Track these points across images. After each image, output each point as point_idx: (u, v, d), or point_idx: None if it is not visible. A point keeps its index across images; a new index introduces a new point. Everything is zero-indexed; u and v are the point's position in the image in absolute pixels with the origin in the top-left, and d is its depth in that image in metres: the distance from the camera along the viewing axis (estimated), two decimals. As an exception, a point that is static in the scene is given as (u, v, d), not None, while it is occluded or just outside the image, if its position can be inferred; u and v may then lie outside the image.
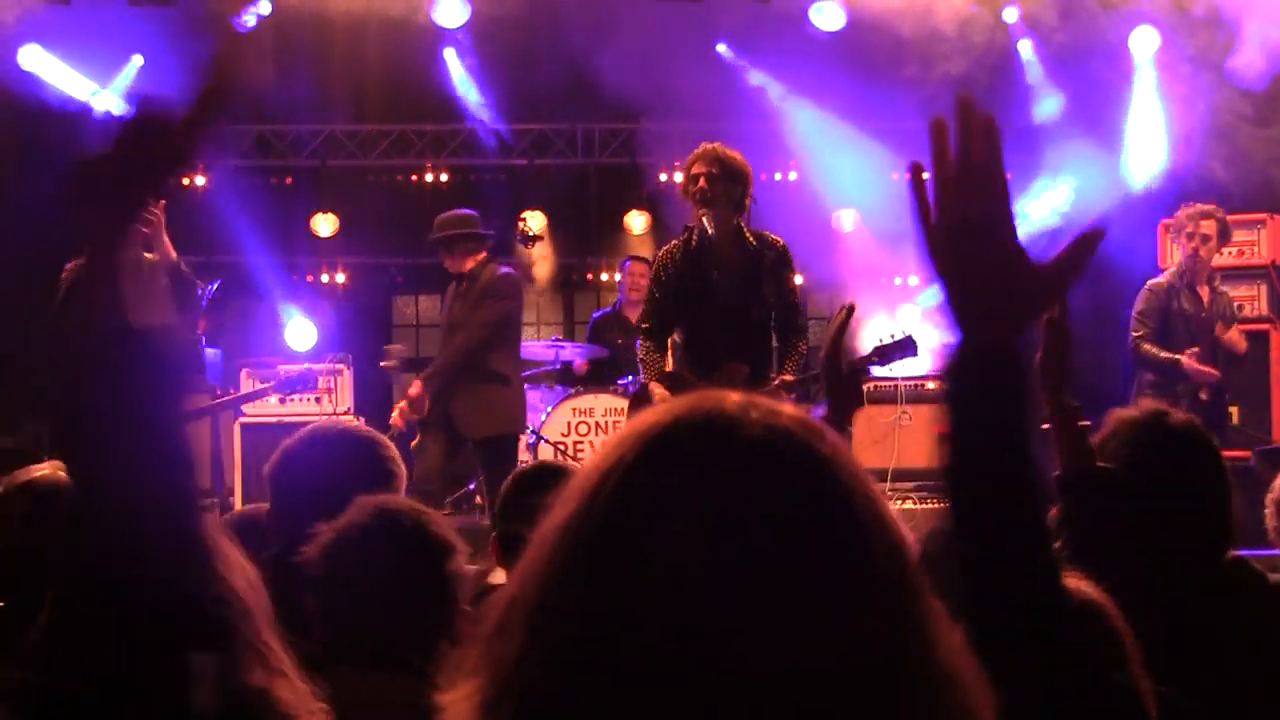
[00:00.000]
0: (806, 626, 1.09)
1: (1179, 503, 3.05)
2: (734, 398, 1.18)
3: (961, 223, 1.57)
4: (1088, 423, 2.96)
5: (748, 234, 6.89)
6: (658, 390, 6.71)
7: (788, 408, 1.20)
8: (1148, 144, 10.45)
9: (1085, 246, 1.58)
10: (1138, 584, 3.03)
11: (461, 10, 10.29)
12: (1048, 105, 10.85)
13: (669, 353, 7.34)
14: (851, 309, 3.11)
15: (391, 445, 3.44)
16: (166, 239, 7.26)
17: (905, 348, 7.09)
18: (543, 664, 1.11)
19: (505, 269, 7.92)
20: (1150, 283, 8.59)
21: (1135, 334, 8.50)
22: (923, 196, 1.58)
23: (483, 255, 7.88)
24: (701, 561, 1.09)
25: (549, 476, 3.63)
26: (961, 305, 1.57)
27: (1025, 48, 10.83)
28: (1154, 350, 8.37)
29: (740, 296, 6.83)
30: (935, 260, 1.59)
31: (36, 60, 10.44)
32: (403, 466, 3.40)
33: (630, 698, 1.08)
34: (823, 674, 1.09)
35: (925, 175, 1.59)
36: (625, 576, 1.10)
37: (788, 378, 6.82)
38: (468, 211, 8.03)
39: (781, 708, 1.08)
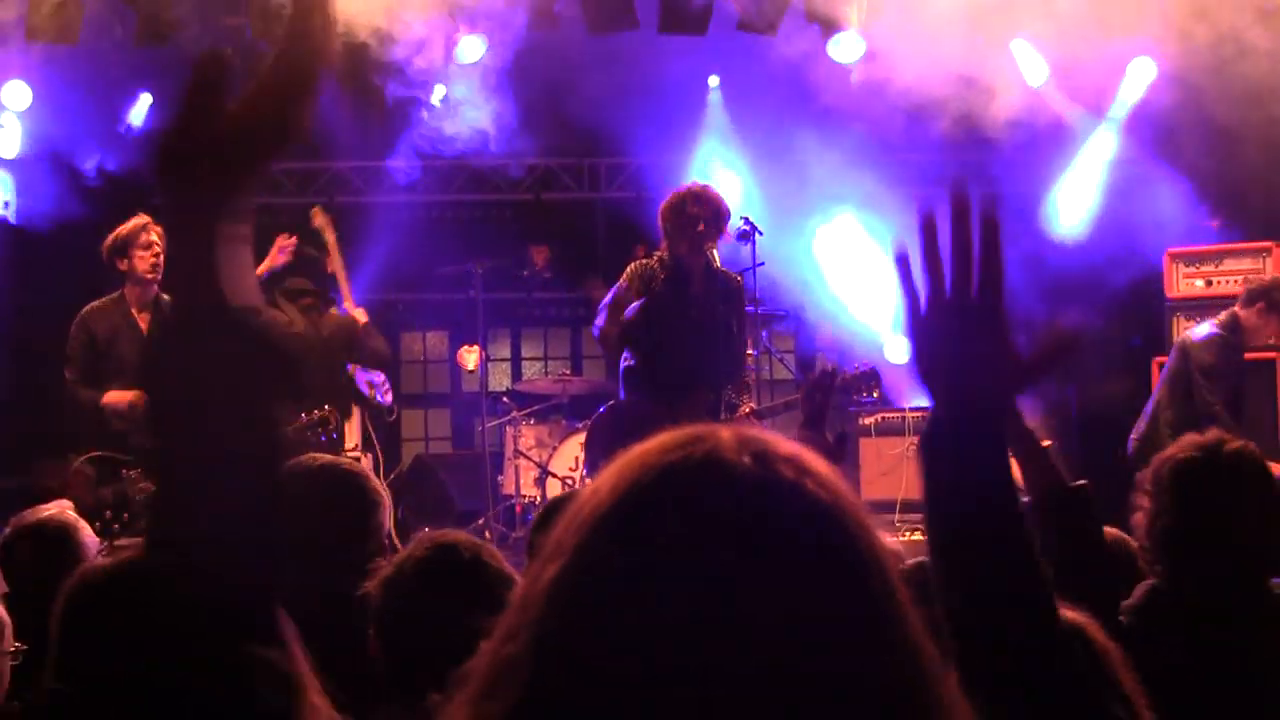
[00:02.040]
0: (807, 668, 1.06)
1: (1220, 529, 3.10)
2: (726, 435, 1.15)
3: (951, 311, 1.61)
4: (1049, 443, 3.01)
5: (720, 269, 7.04)
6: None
7: (783, 442, 1.17)
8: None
9: (1063, 348, 1.64)
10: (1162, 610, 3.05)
11: (480, 46, 10.36)
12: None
13: (621, 374, 7.38)
14: (833, 373, 3.22)
15: (370, 475, 3.46)
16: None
17: (869, 381, 7.18)
18: None
19: None
20: (1223, 335, 8.11)
21: (1211, 397, 7.89)
22: (910, 276, 1.62)
23: None
24: (702, 609, 1.06)
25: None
26: (938, 382, 1.63)
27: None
28: (1237, 429, 7.40)
29: (714, 328, 6.93)
30: (918, 338, 1.64)
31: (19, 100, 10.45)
32: (385, 495, 3.42)
33: None
34: (823, 714, 1.07)
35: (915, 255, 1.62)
36: (625, 630, 1.07)
37: (754, 405, 6.98)
38: None
39: None
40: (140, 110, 11.16)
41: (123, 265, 7.31)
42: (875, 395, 7.39)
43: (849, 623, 1.09)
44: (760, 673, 1.05)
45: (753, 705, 1.05)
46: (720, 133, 11.59)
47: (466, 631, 2.59)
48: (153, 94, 11.10)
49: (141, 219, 7.38)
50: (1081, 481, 2.94)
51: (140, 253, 7.28)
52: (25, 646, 3.16)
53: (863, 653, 1.09)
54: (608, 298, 7.21)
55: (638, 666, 1.06)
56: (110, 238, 7.37)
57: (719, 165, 11.12)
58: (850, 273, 11.35)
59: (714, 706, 1.05)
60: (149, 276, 7.30)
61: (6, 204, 10.75)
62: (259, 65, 1.36)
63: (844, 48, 10.32)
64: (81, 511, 6.90)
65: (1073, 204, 10.45)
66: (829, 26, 10.10)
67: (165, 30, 9.62)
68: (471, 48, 10.39)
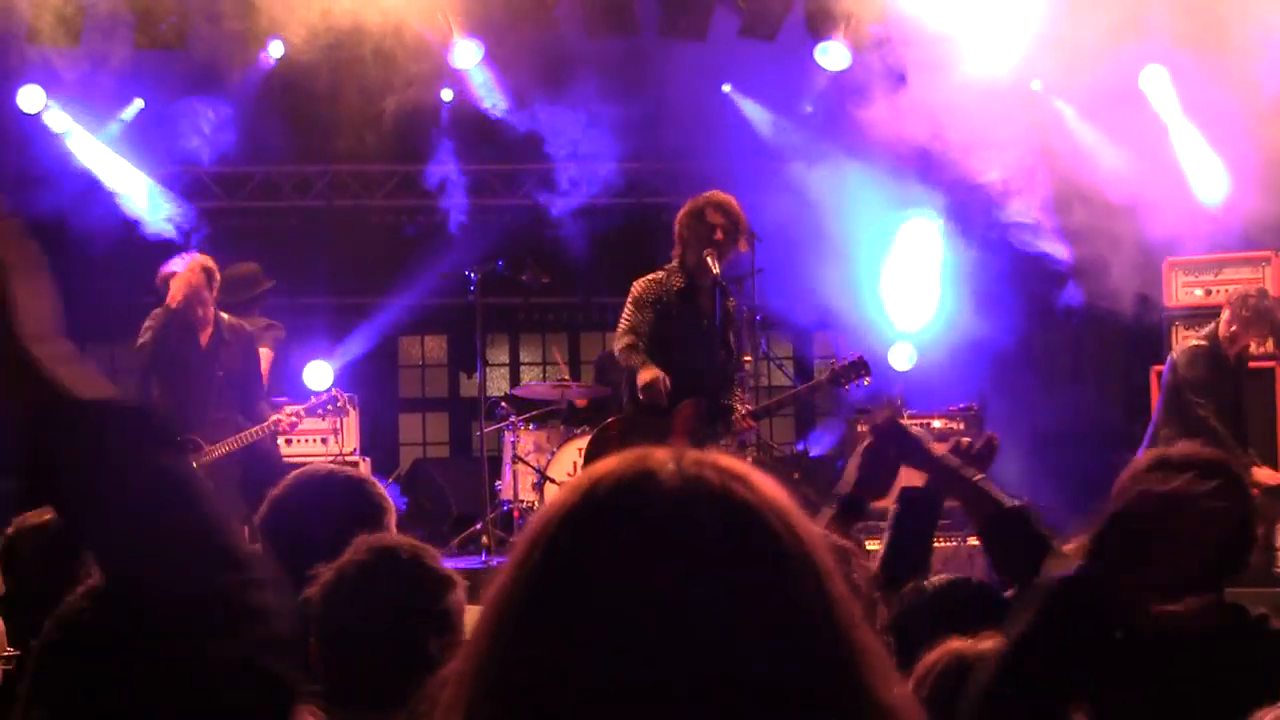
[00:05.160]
0: (736, 667, 1.09)
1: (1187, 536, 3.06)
2: (658, 453, 1.18)
3: None
4: (979, 475, 3.11)
5: (723, 284, 7.06)
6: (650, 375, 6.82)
7: (720, 457, 1.19)
8: (1205, 168, 10.04)
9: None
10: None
11: (476, 51, 10.37)
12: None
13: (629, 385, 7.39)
14: (896, 411, 3.26)
15: (378, 484, 3.48)
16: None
17: (859, 370, 7.25)
18: None
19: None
20: (1204, 346, 8.21)
21: (1203, 411, 7.97)
22: None
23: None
24: (627, 619, 1.09)
25: None
26: None
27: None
28: (1228, 437, 7.78)
29: (719, 340, 6.94)
30: None
31: (37, 103, 10.47)
32: (391, 504, 3.42)
33: None
34: (759, 710, 1.09)
35: None
36: (555, 646, 1.10)
37: (750, 408, 7.03)
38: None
39: None
40: (130, 112, 11.18)
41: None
42: (866, 383, 7.43)
43: (778, 621, 1.11)
44: (691, 674, 1.08)
45: (686, 696, 1.07)
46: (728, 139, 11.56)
47: (409, 634, 2.59)
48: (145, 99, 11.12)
49: (181, 265, 7.98)
50: (1019, 501, 3.03)
51: (174, 287, 7.86)
52: (19, 653, 3.14)
53: (793, 648, 1.11)
54: (623, 327, 7.18)
55: (570, 677, 1.09)
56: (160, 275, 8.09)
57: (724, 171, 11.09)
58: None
59: (644, 705, 1.07)
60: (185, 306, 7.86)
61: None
62: None
63: (831, 56, 10.35)
64: None
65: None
66: (821, 34, 10.14)
67: (164, 34, 9.62)
68: (467, 52, 10.38)
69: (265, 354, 9.02)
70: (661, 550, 1.11)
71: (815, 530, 1.18)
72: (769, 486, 1.18)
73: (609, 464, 1.19)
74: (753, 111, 11.64)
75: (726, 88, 11.70)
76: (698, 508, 1.14)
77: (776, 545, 1.14)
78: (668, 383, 6.80)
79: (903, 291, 11.28)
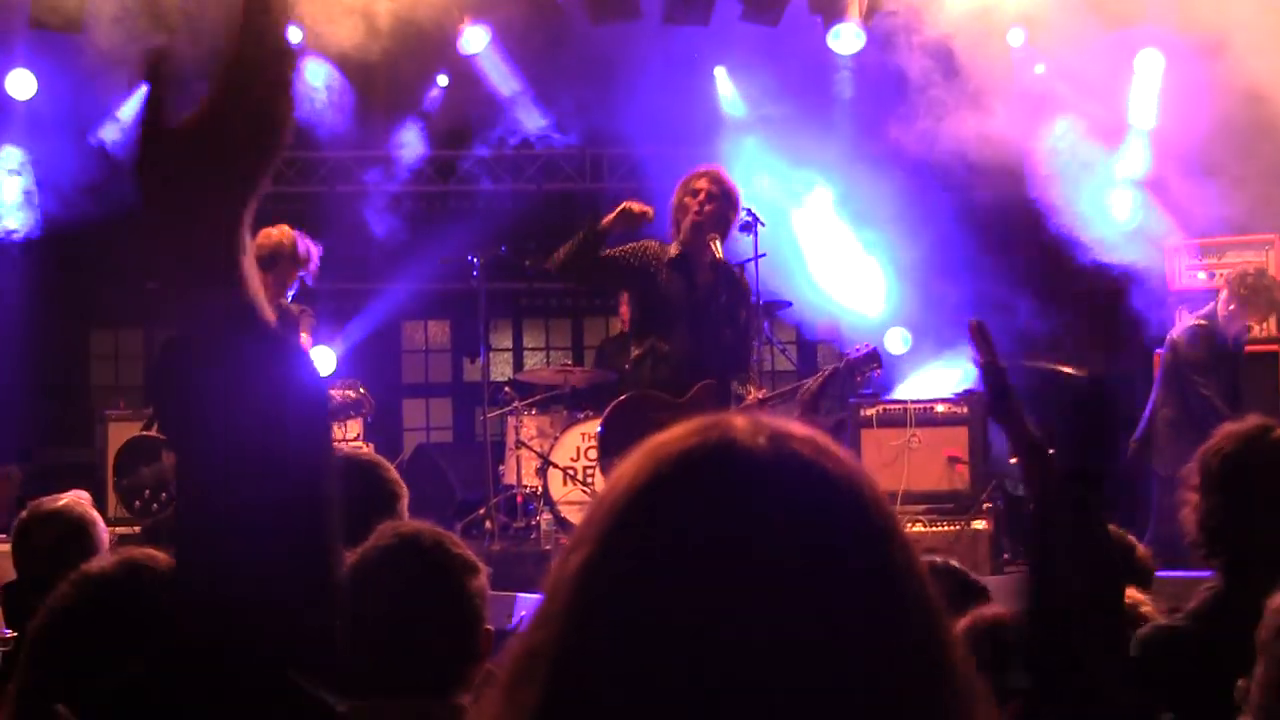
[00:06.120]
0: (835, 645, 1.07)
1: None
2: (739, 420, 1.16)
3: None
4: (1052, 450, 3.05)
5: (725, 262, 7.04)
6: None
7: (796, 425, 1.17)
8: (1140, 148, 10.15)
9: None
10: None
11: (484, 36, 10.38)
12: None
13: (629, 359, 7.38)
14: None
15: (391, 467, 3.47)
16: None
17: (871, 362, 7.25)
18: (567, 712, 1.09)
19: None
20: (1204, 326, 8.25)
21: (1205, 391, 8.01)
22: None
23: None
24: (723, 594, 1.07)
25: None
26: None
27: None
28: (1231, 418, 7.85)
29: (721, 317, 6.93)
30: None
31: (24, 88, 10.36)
32: (404, 487, 3.42)
33: None
34: (850, 692, 1.07)
35: None
36: (647, 619, 1.07)
37: (764, 393, 7.02)
38: None
39: None
40: (134, 101, 11.13)
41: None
42: (878, 373, 7.46)
43: (874, 594, 1.10)
44: (788, 651, 1.06)
45: (781, 683, 1.06)
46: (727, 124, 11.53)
47: (432, 620, 2.60)
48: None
49: (285, 234, 7.56)
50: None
51: (280, 272, 7.57)
52: (15, 635, 3.15)
53: (889, 624, 1.09)
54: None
55: (663, 651, 1.06)
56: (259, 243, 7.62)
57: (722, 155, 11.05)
58: (834, 256, 11.30)
59: (741, 690, 1.05)
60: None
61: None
62: (214, 65, 1.30)
63: (844, 40, 10.32)
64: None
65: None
66: (830, 18, 10.12)
67: (167, 20, 9.61)
68: (476, 38, 10.41)
69: (302, 338, 8.81)
70: (753, 521, 1.09)
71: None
72: (854, 460, 1.16)
73: (680, 432, 1.16)
74: (742, 99, 11.61)
75: (719, 70, 11.68)
76: (791, 477, 1.11)
77: (870, 517, 1.12)
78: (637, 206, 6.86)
79: (842, 273, 11.22)
